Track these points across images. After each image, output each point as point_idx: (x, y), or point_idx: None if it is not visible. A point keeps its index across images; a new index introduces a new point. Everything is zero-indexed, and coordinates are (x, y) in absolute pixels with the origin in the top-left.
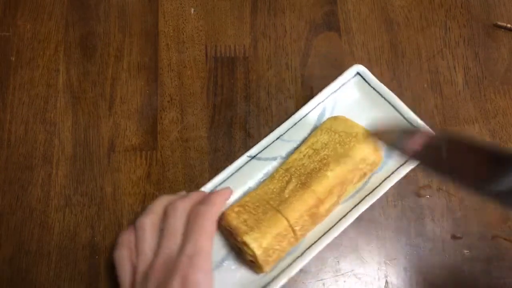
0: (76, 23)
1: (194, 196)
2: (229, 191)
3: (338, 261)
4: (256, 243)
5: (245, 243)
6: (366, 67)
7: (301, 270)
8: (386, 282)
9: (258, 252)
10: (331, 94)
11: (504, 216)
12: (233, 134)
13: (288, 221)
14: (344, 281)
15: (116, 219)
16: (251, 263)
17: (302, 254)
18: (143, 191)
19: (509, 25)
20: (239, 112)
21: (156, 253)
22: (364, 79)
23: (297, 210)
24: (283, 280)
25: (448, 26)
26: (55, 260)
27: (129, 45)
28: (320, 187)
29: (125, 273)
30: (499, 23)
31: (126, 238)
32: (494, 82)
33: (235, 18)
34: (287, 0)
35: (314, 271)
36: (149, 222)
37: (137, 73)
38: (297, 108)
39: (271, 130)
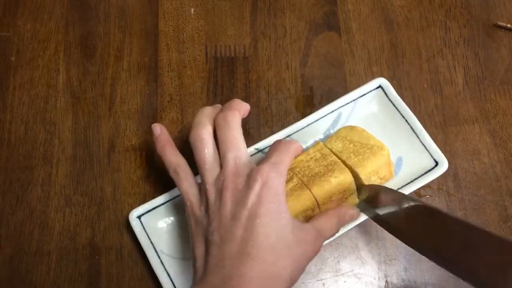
0: (76, 23)
1: (239, 105)
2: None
3: (338, 261)
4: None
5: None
6: (366, 67)
7: None
8: (386, 282)
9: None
10: (350, 102)
11: (504, 216)
12: None
13: None
14: (344, 281)
15: (116, 219)
16: None
17: None
18: (143, 191)
19: (509, 25)
20: None
21: (222, 163)
22: (385, 93)
23: (292, 209)
24: None
25: (448, 26)
26: (55, 260)
27: (129, 45)
28: (320, 191)
29: (187, 184)
30: (499, 23)
31: (176, 161)
32: (494, 82)
33: (235, 18)
34: (287, 0)
35: (314, 271)
36: (204, 132)
37: (137, 73)
38: (297, 108)
39: (271, 130)
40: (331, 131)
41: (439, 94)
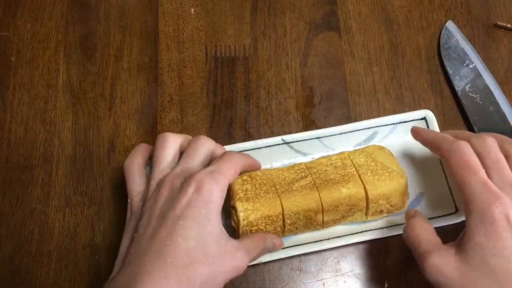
0: (76, 23)
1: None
2: (259, 165)
3: (338, 261)
4: (245, 213)
5: (235, 208)
6: (366, 67)
7: (301, 270)
8: (386, 282)
9: (242, 222)
10: (389, 124)
11: None
12: (233, 134)
13: (283, 209)
14: (344, 281)
15: (116, 219)
16: (233, 231)
17: (284, 248)
18: None
19: (509, 25)
20: (239, 112)
21: (175, 167)
22: (428, 127)
23: (296, 205)
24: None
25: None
26: (55, 260)
27: (129, 45)
28: (329, 197)
29: (134, 182)
30: (499, 23)
31: (143, 147)
32: None
33: (235, 18)
34: (287, 0)
35: (314, 271)
36: (172, 136)
37: (137, 73)
38: (297, 108)
39: (271, 130)
40: (362, 146)
41: (439, 94)
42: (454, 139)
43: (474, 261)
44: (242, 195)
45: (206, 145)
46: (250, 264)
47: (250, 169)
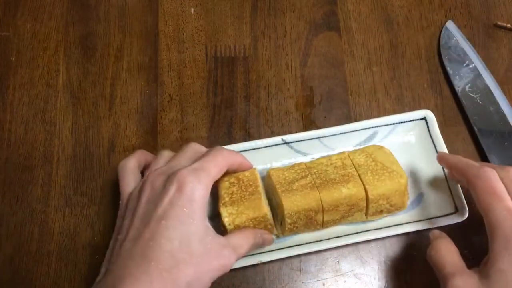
0: (76, 23)
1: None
2: (249, 165)
3: (338, 261)
4: (229, 218)
5: (220, 214)
6: (366, 67)
7: (301, 270)
8: (386, 282)
9: (228, 227)
10: (389, 124)
11: None
12: (233, 134)
13: (283, 209)
14: (344, 281)
15: (116, 219)
16: (223, 232)
17: (280, 249)
18: None
19: (509, 25)
20: (239, 112)
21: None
22: (428, 127)
23: (296, 204)
24: (242, 263)
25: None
26: (55, 260)
27: (129, 45)
28: (329, 197)
29: (126, 183)
30: (499, 23)
31: (140, 152)
32: None
33: (235, 18)
34: (287, 0)
35: (314, 271)
36: (169, 152)
37: (137, 73)
38: (297, 108)
39: (271, 130)
40: (362, 146)
41: (439, 94)
42: (480, 166)
43: (497, 286)
44: (227, 199)
45: (195, 148)
46: (250, 264)
47: (240, 168)
